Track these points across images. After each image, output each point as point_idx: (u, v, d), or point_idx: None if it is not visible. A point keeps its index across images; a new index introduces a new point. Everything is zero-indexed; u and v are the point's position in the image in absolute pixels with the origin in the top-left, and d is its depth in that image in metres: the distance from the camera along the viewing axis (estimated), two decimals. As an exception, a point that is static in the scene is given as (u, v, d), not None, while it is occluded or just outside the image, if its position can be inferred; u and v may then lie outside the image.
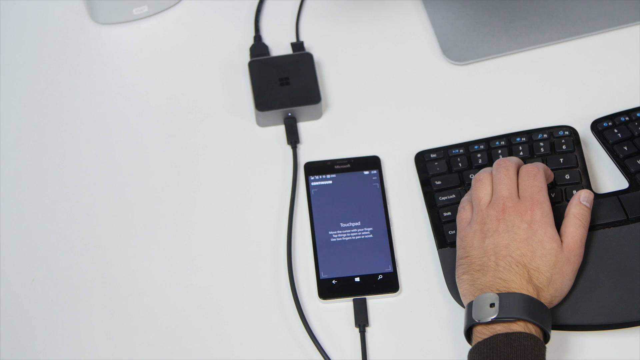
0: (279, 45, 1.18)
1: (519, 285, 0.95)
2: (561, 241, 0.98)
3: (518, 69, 1.17)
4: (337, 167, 1.10)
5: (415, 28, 1.20)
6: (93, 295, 1.03)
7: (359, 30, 1.20)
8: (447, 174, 1.08)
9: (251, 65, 1.15)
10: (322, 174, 1.10)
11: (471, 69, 1.17)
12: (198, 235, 1.07)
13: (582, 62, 1.17)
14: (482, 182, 1.01)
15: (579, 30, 1.18)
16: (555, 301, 0.97)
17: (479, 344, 0.92)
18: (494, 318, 0.93)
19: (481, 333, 0.93)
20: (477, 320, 0.94)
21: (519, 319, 0.93)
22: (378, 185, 1.09)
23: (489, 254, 0.96)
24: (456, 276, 0.99)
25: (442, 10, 1.20)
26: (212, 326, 1.01)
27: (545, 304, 0.95)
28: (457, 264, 0.99)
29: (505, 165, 1.01)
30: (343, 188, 1.09)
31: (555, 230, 0.98)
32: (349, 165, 1.10)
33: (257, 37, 1.19)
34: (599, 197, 1.05)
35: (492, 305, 0.93)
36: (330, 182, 1.09)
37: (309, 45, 1.19)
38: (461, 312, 1.01)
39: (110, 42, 1.20)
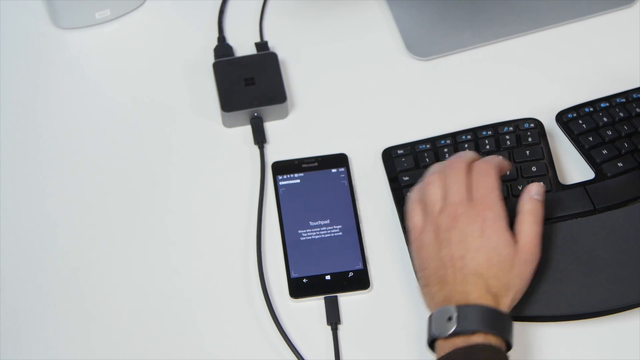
0: (243, 46, 1.18)
1: (477, 295, 0.93)
2: (516, 240, 0.96)
3: (482, 63, 1.17)
4: (304, 165, 1.10)
5: (379, 25, 1.20)
6: (62, 297, 1.02)
7: (323, 28, 1.20)
8: (414, 169, 1.08)
9: (216, 66, 1.14)
10: (289, 173, 1.10)
11: (435, 64, 1.17)
12: (166, 237, 1.06)
13: (545, 55, 1.17)
14: (433, 185, 0.98)
15: (541, 23, 1.19)
16: (516, 302, 0.96)
17: (440, 359, 0.92)
18: (453, 331, 0.92)
19: (442, 348, 0.92)
20: (436, 335, 0.93)
21: (477, 331, 0.91)
22: (346, 182, 1.09)
23: (446, 266, 0.95)
24: (419, 287, 0.98)
25: (405, 7, 1.20)
26: (183, 327, 1.01)
27: (506, 310, 0.94)
28: (417, 275, 0.98)
29: (456, 165, 0.98)
30: (311, 187, 1.09)
31: (508, 234, 0.96)
32: (316, 164, 1.10)
33: (221, 38, 1.19)
34: (566, 188, 1.06)
35: (449, 318, 0.92)
36: (298, 181, 1.09)
37: (273, 45, 1.18)
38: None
39: (74, 46, 1.19)
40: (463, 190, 0.97)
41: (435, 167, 1.00)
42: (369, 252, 1.05)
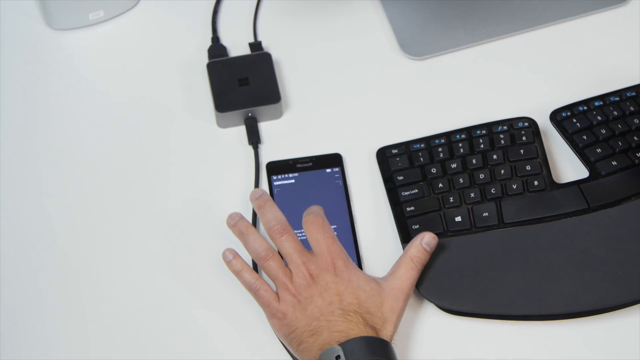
0: (237, 46, 1.18)
1: (357, 331, 0.93)
2: (388, 278, 0.98)
3: (476, 62, 1.17)
4: (299, 166, 1.10)
5: (373, 25, 1.20)
6: (60, 296, 1.02)
7: (317, 28, 1.20)
8: (409, 169, 1.08)
9: (210, 66, 1.14)
10: (284, 173, 1.10)
11: (430, 63, 1.17)
12: (161, 237, 1.06)
13: (538, 54, 1.18)
14: (270, 263, 0.97)
15: (534, 22, 1.19)
16: (393, 335, 0.96)
17: None
18: None
19: None
20: None
21: None
22: (340, 182, 1.09)
23: (317, 318, 0.95)
24: (293, 352, 0.96)
25: (399, 7, 1.20)
26: (181, 327, 1.01)
27: (387, 340, 0.95)
28: (287, 341, 0.96)
29: (285, 237, 0.98)
30: (306, 187, 1.09)
31: (362, 271, 0.98)
32: (310, 164, 1.10)
33: (215, 39, 1.18)
34: (560, 187, 1.06)
35: (337, 357, 0.91)
36: (293, 181, 1.09)
37: (267, 45, 1.18)
38: (430, 306, 1.01)
39: (68, 48, 1.19)
40: (303, 251, 0.98)
41: (261, 246, 0.99)
42: (364, 251, 1.05)
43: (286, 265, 0.98)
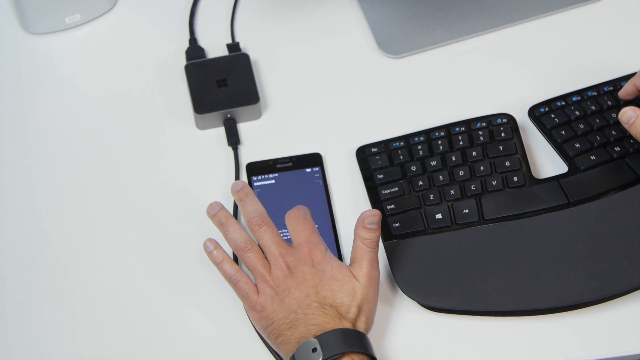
0: (215, 47, 1.18)
1: (333, 324, 0.94)
2: (354, 267, 0.97)
3: (454, 59, 1.18)
4: (279, 166, 1.10)
5: (350, 23, 1.20)
6: (48, 296, 1.02)
7: (294, 28, 1.20)
8: (389, 167, 1.08)
9: (187, 68, 1.14)
10: (264, 173, 1.10)
11: (408, 61, 1.18)
12: (141, 240, 1.06)
13: (516, 50, 1.18)
14: (249, 254, 0.98)
15: (512, 19, 1.19)
16: (370, 326, 0.97)
17: None
18: None
19: None
20: None
21: (343, 353, 0.92)
22: (321, 182, 1.09)
23: (294, 310, 0.95)
24: (271, 344, 0.97)
25: (376, 5, 1.20)
26: (161, 329, 1.01)
27: (363, 331, 0.95)
28: (265, 333, 0.97)
29: (264, 228, 0.98)
30: (286, 187, 1.09)
31: (339, 261, 0.98)
32: (290, 164, 1.10)
33: (192, 40, 1.18)
34: (539, 183, 1.06)
35: (314, 350, 0.92)
36: (273, 181, 1.09)
37: (245, 46, 1.18)
38: (411, 303, 1.01)
39: (45, 52, 1.19)
40: (281, 243, 0.98)
41: (242, 237, 0.99)
42: (345, 250, 1.05)
43: (265, 257, 0.98)
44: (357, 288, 0.96)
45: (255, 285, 0.98)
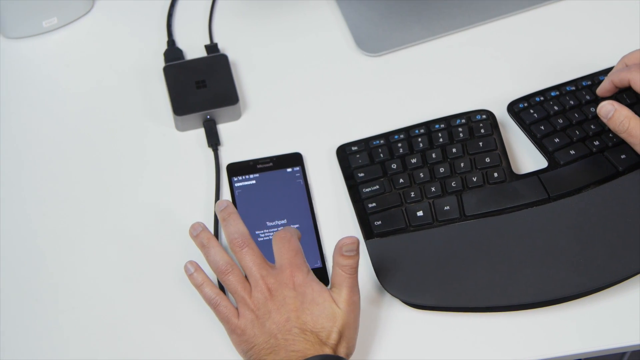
0: (193, 49, 1.18)
1: (313, 350, 0.93)
2: (334, 292, 0.96)
3: (433, 56, 1.18)
4: (259, 166, 1.10)
5: (328, 23, 1.20)
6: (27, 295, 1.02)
7: (273, 28, 1.20)
8: (369, 165, 1.08)
9: (166, 70, 1.14)
10: (245, 174, 1.09)
11: (386, 59, 1.18)
12: (124, 243, 1.06)
13: (494, 46, 1.18)
14: (230, 277, 0.97)
15: (489, 15, 1.20)
16: (352, 351, 0.96)
17: None
18: None
19: None
20: None
21: None
22: (302, 181, 1.09)
23: (275, 335, 0.94)
24: None
25: (353, 4, 1.20)
26: (139, 329, 1.01)
27: (344, 357, 0.95)
28: (246, 357, 0.96)
29: (245, 250, 0.97)
30: (267, 187, 1.09)
31: (320, 285, 0.96)
32: (271, 164, 1.10)
33: (171, 42, 1.18)
34: (520, 178, 1.06)
35: None
36: (254, 181, 1.09)
37: (224, 47, 1.18)
38: (395, 301, 1.01)
39: (22, 56, 1.18)
40: (263, 264, 0.97)
41: (222, 259, 0.98)
42: (328, 250, 1.05)
43: (247, 279, 0.97)
44: (338, 314, 0.95)
45: (237, 308, 0.97)
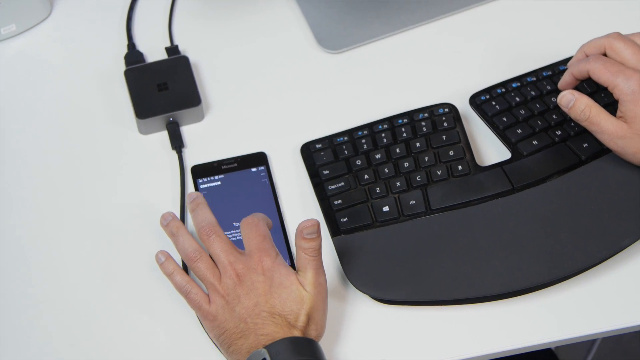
0: (154, 51, 1.17)
1: (282, 333, 0.94)
2: (300, 275, 0.96)
3: (394, 52, 1.18)
4: (224, 167, 1.10)
5: (288, 21, 1.20)
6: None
7: (233, 29, 1.20)
8: (334, 162, 1.08)
9: (127, 73, 1.14)
10: (209, 175, 1.09)
11: (348, 55, 1.18)
12: (89, 248, 1.05)
13: (454, 39, 1.19)
14: (199, 264, 0.97)
15: (448, 8, 1.20)
16: (321, 333, 0.97)
17: None
18: None
19: None
20: None
21: None
22: (267, 181, 1.09)
23: (244, 319, 0.95)
24: (224, 354, 0.97)
25: (313, 2, 1.20)
26: (107, 329, 1.01)
27: (314, 339, 0.95)
28: (218, 342, 0.97)
29: (213, 237, 0.98)
30: (232, 187, 1.08)
31: (288, 268, 0.97)
32: (235, 164, 1.10)
33: (131, 45, 1.18)
34: (484, 170, 1.07)
35: None
36: (219, 182, 1.09)
37: (184, 49, 1.18)
38: (363, 297, 1.01)
39: (-19, 64, 1.18)
40: (231, 250, 0.98)
41: (189, 248, 0.99)
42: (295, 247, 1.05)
43: (216, 266, 0.98)
44: (305, 296, 0.96)
45: (207, 295, 0.97)
